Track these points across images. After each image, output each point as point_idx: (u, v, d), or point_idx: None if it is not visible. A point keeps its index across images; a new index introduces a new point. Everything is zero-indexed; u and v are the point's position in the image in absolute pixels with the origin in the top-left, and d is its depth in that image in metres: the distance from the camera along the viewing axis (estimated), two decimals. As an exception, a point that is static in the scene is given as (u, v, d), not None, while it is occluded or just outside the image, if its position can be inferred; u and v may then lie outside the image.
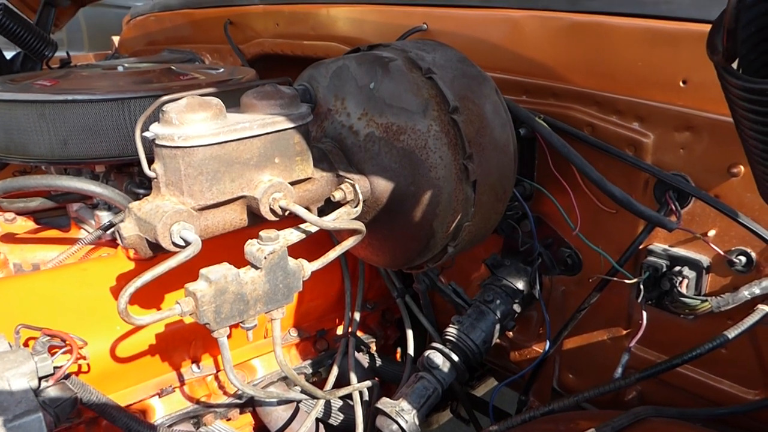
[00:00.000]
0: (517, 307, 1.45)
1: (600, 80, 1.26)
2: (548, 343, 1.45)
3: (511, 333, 1.56)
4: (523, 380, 1.57)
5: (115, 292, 1.29)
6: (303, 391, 1.48)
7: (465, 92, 1.15)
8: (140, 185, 1.50)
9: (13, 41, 2.40)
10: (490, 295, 1.43)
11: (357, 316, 1.56)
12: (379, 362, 1.69)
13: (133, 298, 1.17)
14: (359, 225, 1.03)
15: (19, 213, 1.71)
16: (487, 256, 1.52)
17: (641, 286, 1.22)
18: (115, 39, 2.97)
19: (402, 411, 1.29)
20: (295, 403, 1.51)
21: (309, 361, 1.57)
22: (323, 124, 1.17)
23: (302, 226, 1.00)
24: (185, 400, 1.37)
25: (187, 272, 0.96)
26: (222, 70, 1.74)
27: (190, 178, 0.92)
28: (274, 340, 1.02)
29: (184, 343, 1.35)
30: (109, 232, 1.50)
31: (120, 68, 1.70)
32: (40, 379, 0.96)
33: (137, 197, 1.38)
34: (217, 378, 1.42)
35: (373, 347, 1.70)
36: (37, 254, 1.57)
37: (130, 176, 1.52)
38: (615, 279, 1.26)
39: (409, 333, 1.57)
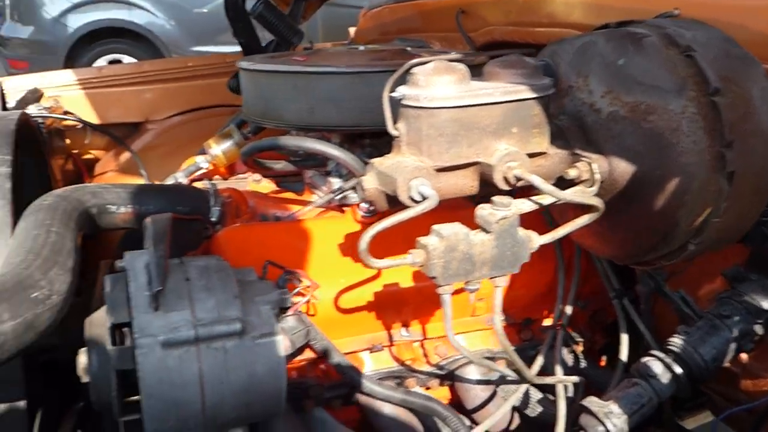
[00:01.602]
0: (758, 329, 1.27)
1: None
2: (794, 375, 1.25)
3: (745, 356, 1.37)
4: (751, 416, 1.37)
5: (342, 248, 1.39)
6: (506, 375, 1.47)
7: (728, 74, 1.03)
8: (370, 155, 1.60)
9: (269, 30, 2.73)
10: (727, 309, 1.27)
11: (569, 309, 1.49)
12: (583, 364, 1.60)
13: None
14: (598, 201, 0.99)
15: (265, 175, 1.93)
16: (726, 266, 1.35)
17: None
18: (351, 30, 3.21)
19: (611, 413, 1.20)
20: (494, 387, 1.50)
21: (511, 348, 1.54)
22: (562, 101, 1.14)
23: (535, 198, 0.98)
24: (392, 360, 1.43)
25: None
26: (454, 54, 1.78)
27: (430, 138, 0.96)
28: (495, 308, 1.03)
29: (398, 306, 1.41)
30: (338, 197, 1.63)
31: (361, 48, 1.83)
32: (280, 309, 1.07)
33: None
34: (422, 345, 1.47)
35: (579, 348, 1.62)
36: (276, 212, 1.75)
37: (362, 147, 1.63)
38: None
39: (624, 337, 1.46)
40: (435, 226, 0.95)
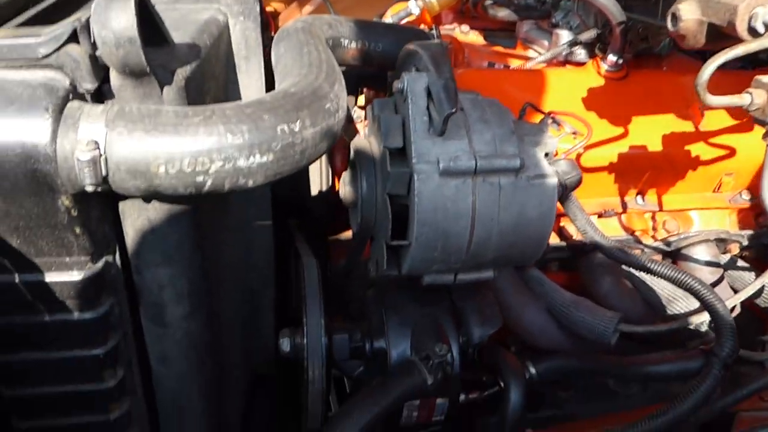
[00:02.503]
0: None
1: None
2: None
3: None
4: None
5: (585, 101, 1.28)
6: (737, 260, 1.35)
7: None
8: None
9: None
10: None
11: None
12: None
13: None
14: None
15: (473, 27, 1.81)
16: None
17: None
18: None
19: None
20: (722, 272, 1.39)
21: (747, 233, 1.40)
22: None
23: None
24: (621, 229, 1.35)
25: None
26: None
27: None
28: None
29: (637, 173, 1.30)
30: (565, 53, 1.49)
31: None
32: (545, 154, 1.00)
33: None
34: (654, 218, 1.36)
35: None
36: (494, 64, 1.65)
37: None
38: None
39: None
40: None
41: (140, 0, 0.78)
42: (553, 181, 0.93)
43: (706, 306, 1.09)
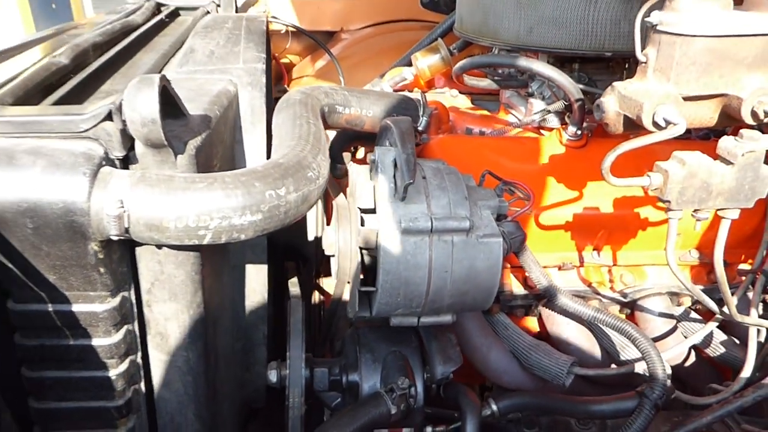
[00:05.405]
0: None
1: None
2: None
3: None
4: None
5: (546, 168, 1.45)
6: (690, 313, 1.50)
7: None
8: (578, 81, 1.60)
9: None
10: None
11: (773, 256, 1.45)
12: (773, 315, 1.57)
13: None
14: None
15: (462, 92, 2.00)
16: None
17: None
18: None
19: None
20: (675, 322, 1.52)
21: (699, 287, 1.54)
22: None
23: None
24: (579, 281, 1.50)
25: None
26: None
27: (681, 66, 0.97)
28: (718, 240, 1.05)
29: (592, 231, 1.46)
30: (538, 119, 1.67)
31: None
32: (498, 216, 1.17)
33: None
34: (610, 271, 1.51)
35: (772, 297, 1.58)
36: (474, 128, 1.83)
37: (570, 72, 1.63)
38: None
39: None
40: (677, 153, 0.98)
41: (163, 87, 0.98)
42: (498, 240, 1.10)
43: (640, 351, 1.23)
